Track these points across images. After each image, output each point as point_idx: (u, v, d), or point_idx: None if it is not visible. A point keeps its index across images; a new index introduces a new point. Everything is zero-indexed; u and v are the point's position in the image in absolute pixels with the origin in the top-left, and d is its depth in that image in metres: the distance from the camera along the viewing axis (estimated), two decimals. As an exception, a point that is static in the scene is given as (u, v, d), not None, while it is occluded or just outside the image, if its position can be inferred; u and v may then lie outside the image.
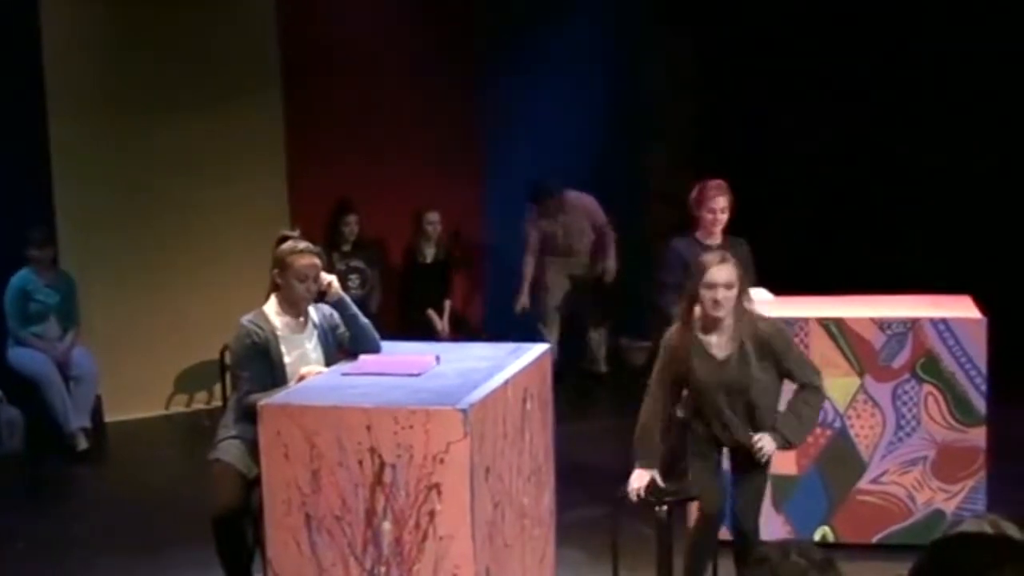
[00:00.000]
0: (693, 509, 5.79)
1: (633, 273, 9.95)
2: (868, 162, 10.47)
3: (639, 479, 5.50)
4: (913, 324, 6.32)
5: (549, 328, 9.85)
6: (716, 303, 5.32)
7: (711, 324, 5.40)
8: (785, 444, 5.47)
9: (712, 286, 5.31)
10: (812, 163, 10.48)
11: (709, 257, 5.43)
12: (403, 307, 9.97)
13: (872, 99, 10.43)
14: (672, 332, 5.54)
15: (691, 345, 5.43)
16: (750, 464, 5.47)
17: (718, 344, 5.42)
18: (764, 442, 5.39)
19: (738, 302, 5.37)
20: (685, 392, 5.55)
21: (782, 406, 5.51)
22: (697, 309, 5.43)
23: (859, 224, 10.46)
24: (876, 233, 10.37)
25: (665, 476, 5.55)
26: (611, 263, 9.91)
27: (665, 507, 5.57)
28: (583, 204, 9.89)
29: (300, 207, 9.80)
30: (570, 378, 9.49)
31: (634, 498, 5.52)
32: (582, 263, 10.00)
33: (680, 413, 5.59)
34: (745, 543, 5.47)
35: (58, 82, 9.25)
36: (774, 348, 5.41)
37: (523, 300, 9.85)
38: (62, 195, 9.29)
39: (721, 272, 5.33)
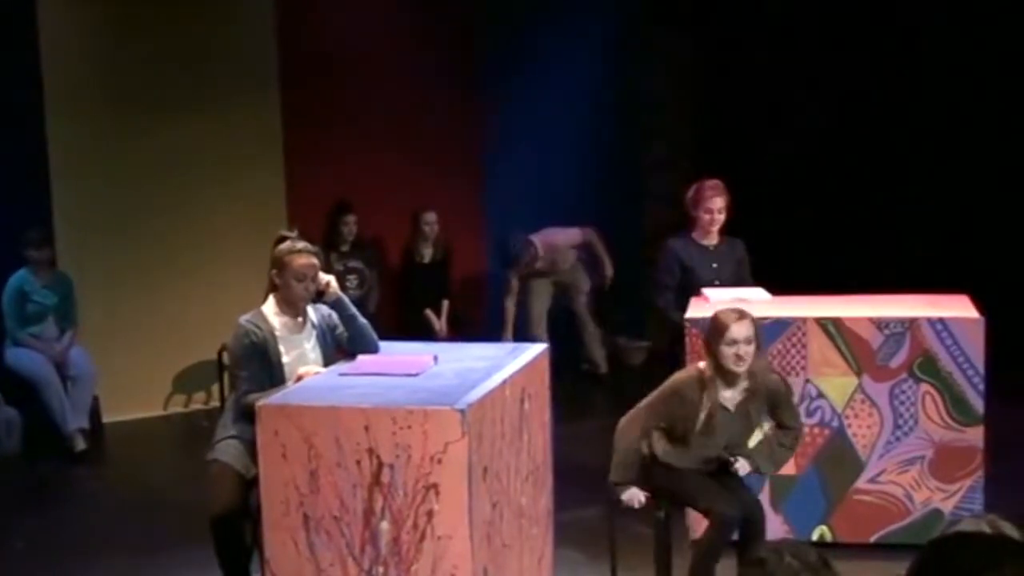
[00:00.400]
0: (695, 516, 5.81)
1: (630, 273, 9.96)
2: (866, 162, 10.47)
3: (630, 495, 5.57)
4: (911, 324, 6.32)
5: (538, 333, 9.83)
6: (739, 359, 5.42)
7: (729, 378, 5.49)
8: (756, 471, 5.72)
9: (734, 343, 5.40)
10: (810, 163, 10.48)
11: (727, 314, 5.49)
12: (401, 307, 9.96)
13: (869, 99, 10.43)
14: (690, 381, 5.56)
15: (701, 393, 5.50)
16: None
17: (731, 397, 5.54)
18: (740, 465, 5.62)
19: (755, 356, 5.47)
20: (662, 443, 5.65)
21: None
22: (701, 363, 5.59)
23: (857, 224, 10.46)
24: (874, 233, 10.37)
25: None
26: (608, 269, 9.93)
27: (663, 509, 5.59)
28: (554, 242, 9.89)
29: (298, 207, 9.79)
30: (568, 378, 9.49)
31: (636, 505, 5.58)
32: (566, 272, 10.06)
33: (662, 454, 5.66)
34: (756, 530, 5.53)
35: (56, 82, 9.24)
36: (777, 401, 5.61)
37: (507, 336, 9.71)
38: (60, 195, 9.28)
39: (741, 328, 5.41)
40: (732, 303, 6.61)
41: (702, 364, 5.57)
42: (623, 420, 5.63)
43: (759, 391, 5.53)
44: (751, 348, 5.41)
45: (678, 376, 5.63)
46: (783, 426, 5.68)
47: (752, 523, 5.56)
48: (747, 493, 5.68)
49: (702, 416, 5.49)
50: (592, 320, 10.21)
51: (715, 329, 5.45)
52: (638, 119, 10.99)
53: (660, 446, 5.64)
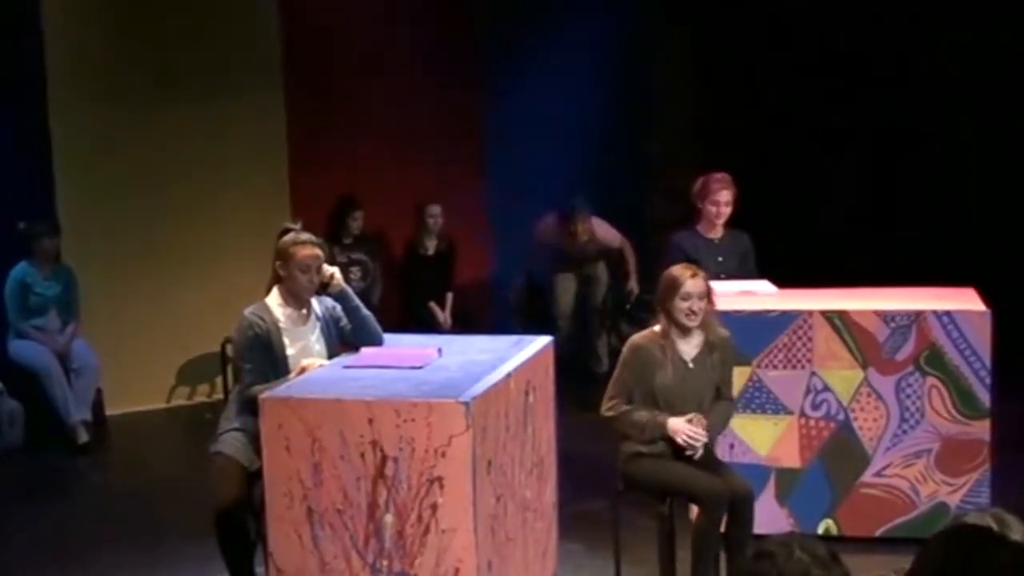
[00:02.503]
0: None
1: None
2: (871, 154, 10.46)
3: (677, 424, 5.57)
4: (917, 316, 6.31)
5: (565, 326, 9.80)
6: (692, 313, 5.60)
7: (683, 333, 5.66)
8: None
9: (688, 297, 5.58)
10: (815, 155, 10.47)
11: (681, 270, 5.66)
12: (405, 300, 9.96)
13: (876, 90, 10.41)
14: (641, 335, 5.73)
15: (662, 349, 5.61)
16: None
17: (689, 351, 5.68)
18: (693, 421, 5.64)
19: (707, 310, 5.67)
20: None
21: None
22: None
23: (863, 216, 10.45)
24: (880, 225, 10.35)
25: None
26: (633, 284, 9.85)
27: (667, 501, 5.59)
28: (597, 231, 9.73)
29: (302, 199, 9.79)
30: (573, 370, 9.47)
31: (692, 438, 5.57)
32: (589, 264, 9.94)
33: (643, 447, 5.67)
34: (743, 514, 5.52)
35: (59, 72, 9.23)
36: (724, 357, 5.76)
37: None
38: (63, 187, 9.29)
39: (696, 284, 5.60)
40: (737, 295, 6.64)
41: (656, 327, 5.69)
42: (603, 410, 5.68)
43: (715, 343, 5.70)
44: (703, 304, 5.60)
45: (634, 338, 5.76)
46: (719, 396, 5.77)
47: (739, 505, 5.53)
48: (733, 475, 5.66)
49: (666, 368, 5.59)
50: (600, 321, 10.08)
51: (669, 285, 5.62)
52: (642, 111, 10.97)
53: (633, 443, 5.65)
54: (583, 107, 10.47)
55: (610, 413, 5.66)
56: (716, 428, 5.78)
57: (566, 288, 9.91)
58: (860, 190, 10.43)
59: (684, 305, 5.57)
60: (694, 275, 5.61)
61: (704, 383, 5.70)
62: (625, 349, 5.73)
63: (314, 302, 5.66)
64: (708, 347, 5.69)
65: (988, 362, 6.28)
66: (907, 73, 10.27)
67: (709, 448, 5.69)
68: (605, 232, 9.75)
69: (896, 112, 10.33)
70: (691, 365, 5.66)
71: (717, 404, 5.77)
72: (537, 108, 10.25)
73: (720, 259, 7.32)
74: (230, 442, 5.55)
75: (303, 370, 5.35)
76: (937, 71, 10.18)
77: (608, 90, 10.71)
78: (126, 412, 9.39)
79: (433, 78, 10.37)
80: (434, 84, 10.37)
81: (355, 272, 9.45)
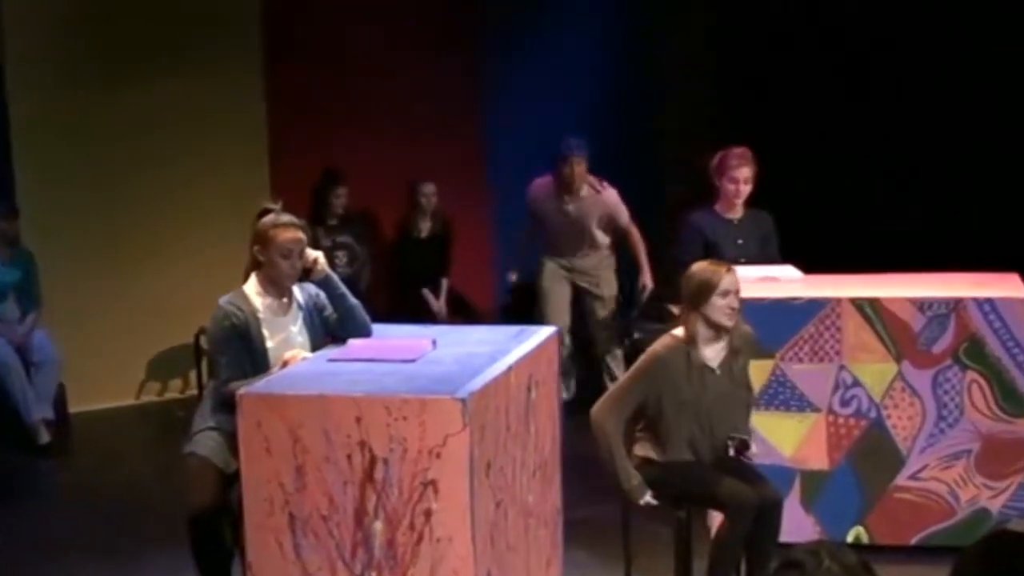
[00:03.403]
0: (716, 514, 5.80)
1: (648, 247, 9.93)
2: (904, 129, 10.43)
3: (649, 499, 5.58)
4: (956, 305, 6.31)
5: (558, 323, 8.85)
6: (733, 311, 5.55)
7: (712, 336, 5.60)
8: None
9: (727, 294, 5.52)
10: (842, 129, 10.44)
11: (715, 266, 5.63)
12: (396, 286, 9.97)
13: (908, 62, 10.39)
14: (663, 345, 5.63)
15: (687, 358, 5.58)
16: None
17: (714, 356, 5.65)
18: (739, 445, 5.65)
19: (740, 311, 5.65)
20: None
21: None
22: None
23: (896, 195, 10.44)
24: (915, 205, 10.33)
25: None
26: (647, 277, 8.87)
27: (684, 507, 5.60)
28: (607, 198, 8.84)
29: (282, 177, 9.79)
30: (579, 364, 9.47)
31: (653, 502, 5.60)
32: (589, 271, 8.98)
33: (655, 455, 5.67)
34: (770, 524, 5.53)
35: (18, 45, 9.21)
36: (747, 357, 5.76)
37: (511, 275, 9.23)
38: (22, 168, 9.28)
39: (733, 279, 5.56)
40: (758, 281, 6.63)
41: (677, 331, 5.64)
42: (597, 410, 5.62)
43: (739, 345, 5.67)
44: (738, 302, 5.57)
45: (655, 347, 5.66)
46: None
47: (766, 513, 5.54)
48: (762, 481, 5.66)
49: (691, 380, 5.55)
50: (610, 345, 9.07)
51: (705, 283, 5.54)
52: (654, 82, 10.96)
53: (647, 448, 5.65)
54: (592, 77, 10.47)
55: (602, 423, 5.57)
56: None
57: (559, 294, 8.94)
58: (894, 166, 10.41)
59: (724, 303, 5.50)
60: (728, 270, 5.59)
61: (732, 389, 5.68)
62: (645, 359, 5.64)
63: (296, 290, 5.65)
64: (732, 349, 5.66)
65: (1034, 354, 6.29)
66: (946, 42, 10.24)
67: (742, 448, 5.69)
68: (611, 198, 8.83)
69: (932, 81, 10.31)
70: (717, 372, 5.63)
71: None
72: (543, 79, 10.25)
73: (740, 242, 7.33)
74: (205, 442, 5.55)
75: (285, 364, 5.35)
76: (981, 43, 10.15)
77: (619, 59, 10.70)
78: (91, 410, 9.40)
79: (428, 44, 10.36)
80: (429, 51, 10.36)
81: (341, 256, 9.46)
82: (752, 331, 5.81)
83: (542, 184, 8.92)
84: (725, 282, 5.51)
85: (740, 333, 5.68)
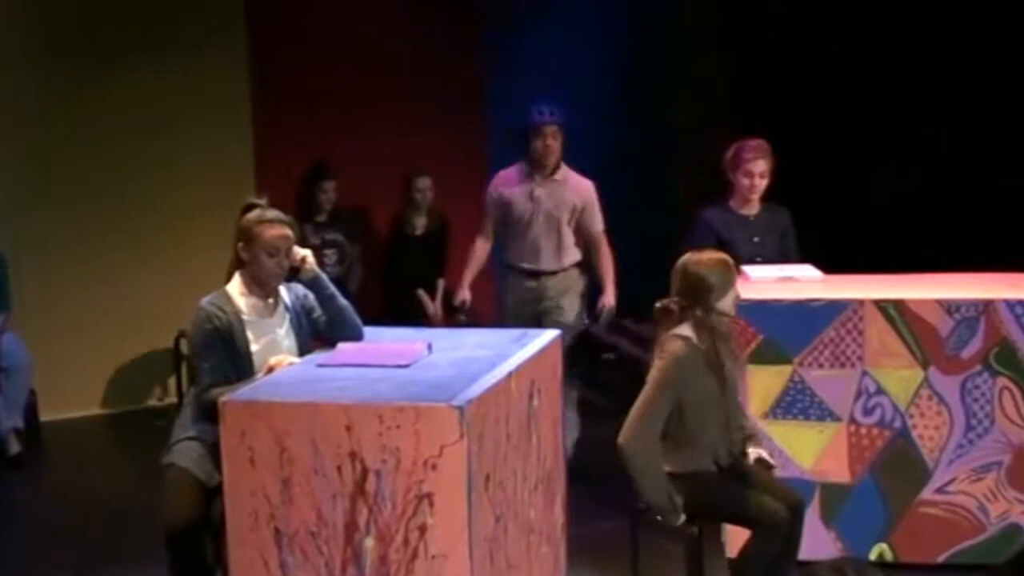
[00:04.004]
0: (732, 529, 5.81)
1: (656, 249, 9.91)
2: (932, 122, 10.41)
3: (680, 518, 5.59)
4: (986, 307, 6.31)
5: None
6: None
7: (722, 333, 5.67)
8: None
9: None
10: (864, 121, 10.44)
11: (721, 263, 5.66)
12: (389, 287, 9.96)
13: (934, 50, 10.38)
14: (680, 347, 5.60)
15: (704, 357, 5.60)
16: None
17: (724, 349, 5.69)
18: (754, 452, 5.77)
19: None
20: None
21: None
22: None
23: (921, 191, 10.42)
24: (941, 201, 10.32)
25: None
26: (610, 297, 8.02)
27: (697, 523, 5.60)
28: (581, 183, 8.05)
29: (268, 170, 9.80)
30: (583, 368, 9.46)
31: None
32: (553, 295, 8.00)
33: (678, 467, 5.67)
34: (792, 536, 5.55)
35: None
36: (733, 346, 5.84)
37: (463, 294, 8.33)
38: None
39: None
40: (775, 282, 6.64)
41: (683, 331, 5.62)
42: (624, 438, 5.54)
43: (729, 333, 5.76)
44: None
45: (671, 351, 5.60)
46: None
47: (790, 525, 5.57)
48: (784, 489, 5.69)
49: (703, 380, 5.58)
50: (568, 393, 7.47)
51: (721, 279, 5.61)
52: (663, 68, 10.95)
53: (670, 461, 5.65)
54: (599, 64, 10.46)
55: (633, 448, 5.52)
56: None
57: (523, 313, 8.02)
58: (919, 161, 10.40)
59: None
60: (736, 269, 5.73)
61: (735, 383, 5.75)
62: (666, 368, 5.58)
63: (282, 290, 5.66)
64: (728, 343, 5.73)
65: (1069, 360, 6.29)
66: (974, 35, 10.23)
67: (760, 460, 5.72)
68: (588, 188, 8.03)
69: (962, 74, 10.30)
70: (726, 365, 5.68)
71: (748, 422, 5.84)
72: (548, 67, 10.23)
73: (756, 239, 7.33)
74: (185, 453, 5.55)
75: (270, 369, 5.35)
76: (1009, 30, 10.15)
77: (627, 45, 10.69)
78: (63, 418, 9.40)
79: (426, 30, 10.35)
80: (426, 35, 10.35)
81: (330, 255, 9.45)
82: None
83: (506, 174, 8.16)
84: (736, 286, 5.68)
85: (727, 327, 5.77)
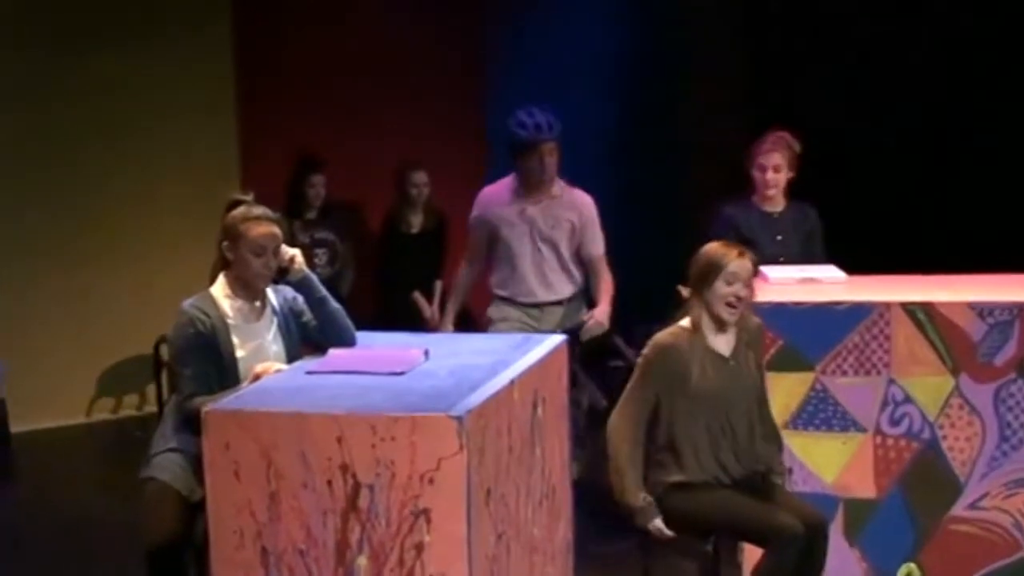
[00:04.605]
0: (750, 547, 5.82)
1: (671, 250, 9.90)
2: (963, 112, 10.41)
3: (659, 525, 5.62)
4: (1021, 311, 6.30)
5: None
6: (737, 301, 5.61)
7: (718, 326, 5.68)
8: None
9: (734, 279, 5.58)
10: (895, 111, 10.43)
11: (725, 247, 5.67)
12: (383, 289, 9.97)
13: (969, 34, 10.38)
14: (667, 332, 5.70)
15: (691, 346, 5.62)
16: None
17: (725, 344, 5.71)
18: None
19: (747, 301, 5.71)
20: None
21: None
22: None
23: (952, 187, 10.42)
24: (974, 198, 10.33)
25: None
26: (602, 315, 7.61)
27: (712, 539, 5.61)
28: (581, 198, 7.69)
29: (254, 165, 9.80)
30: (590, 377, 9.47)
31: (668, 534, 5.63)
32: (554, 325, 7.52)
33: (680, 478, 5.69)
34: (816, 556, 5.56)
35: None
36: (757, 355, 5.84)
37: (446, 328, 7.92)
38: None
39: (743, 265, 5.60)
40: (797, 283, 6.64)
41: (682, 321, 5.69)
42: (610, 420, 5.69)
43: (749, 339, 5.76)
44: (747, 292, 5.62)
45: (658, 336, 5.72)
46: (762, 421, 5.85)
47: (810, 543, 5.55)
48: (804, 506, 5.70)
49: (695, 370, 5.60)
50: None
51: (709, 264, 5.61)
52: (678, 56, 10.95)
53: (670, 471, 5.65)
54: (609, 49, 10.45)
55: (611, 431, 5.64)
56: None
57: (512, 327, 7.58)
58: (951, 156, 10.40)
59: (728, 291, 5.57)
60: (740, 254, 5.63)
61: (750, 383, 5.75)
62: (648, 351, 5.70)
63: (270, 292, 5.66)
64: (743, 341, 5.74)
65: (1110, 366, 6.29)
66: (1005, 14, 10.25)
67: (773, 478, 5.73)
68: (588, 204, 7.67)
69: (991, 59, 10.30)
70: (731, 361, 5.69)
71: (770, 448, 5.84)
72: (553, 53, 10.23)
73: (779, 238, 7.34)
74: (166, 466, 5.55)
75: (257, 377, 5.35)
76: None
77: (639, 31, 10.69)
78: (35, 429, 9.40)
79: (423, 14, 10.35)
80: (423, 20, 10.35)
81: (320, 255, 9.45)
82: (761, 323, 5.88)
83: (493, 191, 7.77)
84: (733, 266, 5.58)
85: (748, 327, 5.76)
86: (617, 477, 5.61)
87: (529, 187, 7.56)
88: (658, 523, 5.58)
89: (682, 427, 5.62)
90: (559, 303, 7.59)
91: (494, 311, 7.67)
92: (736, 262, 5.57)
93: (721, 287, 5.57)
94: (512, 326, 7.47)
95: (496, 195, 7.70)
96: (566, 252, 7.58)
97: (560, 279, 7.59)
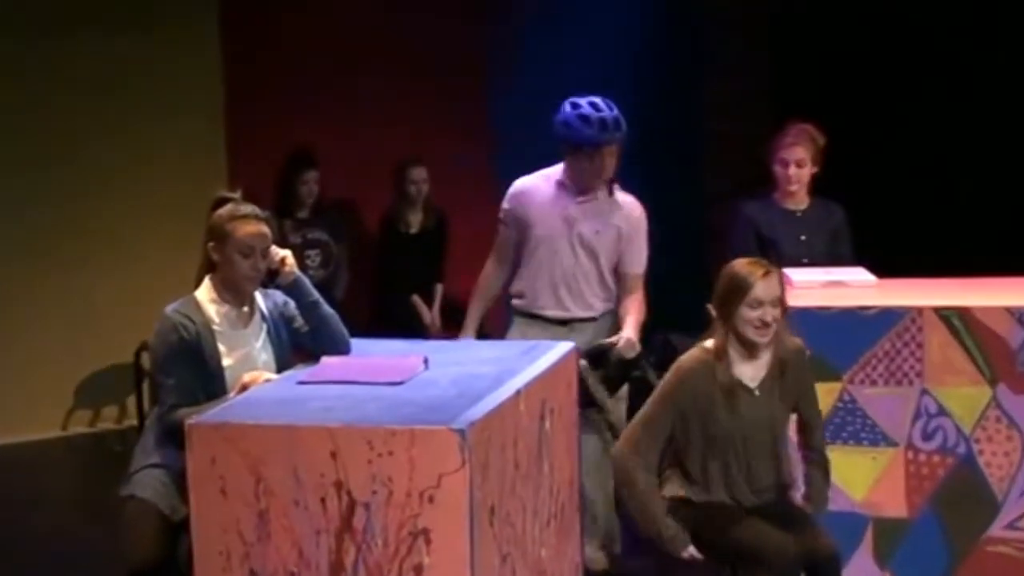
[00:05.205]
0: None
1: (688, 248, 9.92)
2: (996, 110, 10.41)
3: (685, 547, 5.63)
4: (1063, 316, 6.32)
5: None
6: (764, 326, 5.55)
7: (748, 351, 5.63)
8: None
9: (758, 304, 5.53)
10: (926, 104, 10.44)
11: (750, 267, 5.61)
12: (380, 293, 9.97)
13: (1009, 24, 10.39)
14: (690, 356, 5.68)
15: (718, 377, 5.60)
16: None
17: (753, 374, 5.68)
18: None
19: (781, 321, 5.63)
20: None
21: None
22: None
23: (988, 186, 10.43)
24: (1011, 197, 10.33)
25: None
26: (631, 333, 6.95)
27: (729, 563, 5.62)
28: (630, 205, 7.14)
29: (242, 160, 9.81)
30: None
31: (698, 556, 5.65)
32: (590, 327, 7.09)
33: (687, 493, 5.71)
34: (831, 571, 5.58)
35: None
36: (799, 376, 5.77)
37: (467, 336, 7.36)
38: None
39: (768, 286, 5.55)
40: (823, 287, 6.64)
41: (707, 343, 5.67)
42: (619, 449, 5.70)
43: (787, 360, 5.69)
44: (777, 312, 5.56)
45: (681, 360, 5.69)
46: (807, 444, 5.86)
47: (818, 571, 5.57)
48: (816, 531, 5.69)
49: (721, 403, 5.58)
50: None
51: (732, 286, 5.57)
52: (700, 43, 10.96)
53: (677, 486, 5.65)
54: (623, 38, 10.45)
55: (626, 462, 5.64)
56: (820, 506, 5.86)
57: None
58: (983, 150, 10.40)
59: (753, 315, 5.53)
60: (766, 274, 5.56)
61: (775, 415, 5.71)
62: (669, 376, 5.69)
63: (259, 297, 5.66)
64: (778, 366, 5.69)
65: None
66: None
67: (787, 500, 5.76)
68: (638, 214, 7.15)
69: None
70: (756, 392, 5.66)
71: (811, 469, 5.83)
72: (562, 40, 10.23)
73: (803, 238, 7.34)
74: (147, 483, 5.56)
75: (244, 387, 5.35)
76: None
77: (656, 18, 10.69)
78: (8, 443, 9.40)
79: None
80: (422, 5, 10.35)
81: (313, 256, 9.46)
82: (802, 343, 5.83)
83: (531, 184, 7.20)
84: (758, 290, 5.52)
85: (786, 347, 5.71)
86: (638, 509, 5.61)
87: (579, 187, 7.00)
88: (692, 550, 5.61)
89: (695, 457, 5.64)
90: (591, 320, 7.04)
91: (514, 331, 7.13)
92: (761, 284, 5.52)
93: (746, 312, 5.53)
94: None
95: (535, 188, 7.12)
96: (606, 263, 7.02)
97: (595, 292, 7.04)
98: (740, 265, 5.63)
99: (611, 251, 7.00)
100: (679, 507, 5.65)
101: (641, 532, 5.63)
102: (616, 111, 6.91)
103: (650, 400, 5.71)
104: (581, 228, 6.96)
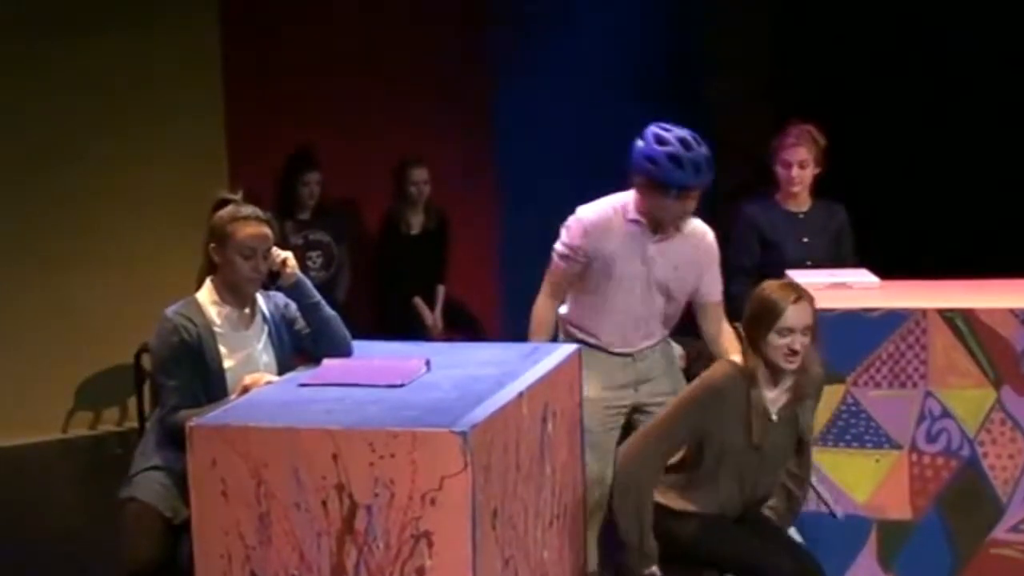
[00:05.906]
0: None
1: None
2: (1004, 106, 10.41)
3: (649, 569, 5.59)
4: (1068, 318, 6.32)
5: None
6: (792, 354, 5.48)
7: (773, 376, 5.59)
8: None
9: (788, 332, 5.46)
10: (928, 105, 10.44)
11: (781, 291, 5.52)
12: (381, 294, 9.97)
13: (1015, 24, 10.39)
14: (723, 374, 5.61)
15: (744, 401, 5.56)
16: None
17: (775, 399, 5.63)
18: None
19: (811, 347, 5.56)
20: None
21: None
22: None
23: (993, 186, 10.43)
24: (1016, 197, 10.33)
25: None
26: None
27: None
28: (704, 240, 6.68)
29: (243, 161, 9.80)
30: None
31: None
32: (650, 375, 6.70)
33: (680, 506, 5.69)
34: None
35: None
36: (811, 405, 5.75)
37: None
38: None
39: (800, 313, 5.46)
40: (826, 288, 6.63)
41: (736, 358, 5.64)
42: (628, 453, 5.62)
43: (806, 388, 5.64)
44: (807, 340, 5.48)
45: (713, 375, 5.62)
46: (795, 463, 5.80)
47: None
48: (804, 555, 5.70)
49: (746, 425, 5.54)
50: None
51: (763, 312, 5.49)
52: (702, 45, 10.95)
53: (673, 497, 5.65)
54: (626, 37, 10.45)
55: (634, 471, 5.55)
56: (788, 524, 5.87)
57: (608, 439, 6.53)
58: (987, 151, 10.40)
59: (782, 343, 5.45)
60: (797, 299, 5.46)
61: (787, 442, 5.68)
62: (699, 389, 5.62)
63: (260, 299, 5.67)
64: (798, 392, 5.63)
65: None
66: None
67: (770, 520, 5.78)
68: (712, 251, 6.72)
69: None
70: (774, 418, 5.61)
71: (792, 484, 5.82)
72: (563, 36, 10.23)
73: (805, 239, 7.33)
74: (148, 485, 5.56)
75: (245, 389, 5.35)
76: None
77: (660, 19, 10.69)
78: (7, 446, 9.40)
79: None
80: (425, 5, 10.35)
81: (315, 257, 9.47)
82: (822, 372, 5.77)
83: (603, 220, 6.56)
84: (788, 317, 5.43)
85: (810, 376, 5.62)
86: (629, 514, 5.51)
87: (656, 225, 6.50)
88: (655, 570, 5.55)
89: (703, 475, 5.62)
90: (653, 346, 6.69)
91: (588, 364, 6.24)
92: (792, 310, 5.42)
93: (775, 339, 5.46)
94: (602, 397, 6.48)
95: (608, 223, 6.51)
96: (680, 300, 6.64)
97: (660, 324, 6.67)
98: (772, 289, 5.56)
99: (688, 289, 6.60)
100: (682, 518, 5.63)
101: (619, 534, 5.58)
102: (704, 147, 6.41)
103: (672, 410, 5.63)
104: (659, 270, 6.51)
